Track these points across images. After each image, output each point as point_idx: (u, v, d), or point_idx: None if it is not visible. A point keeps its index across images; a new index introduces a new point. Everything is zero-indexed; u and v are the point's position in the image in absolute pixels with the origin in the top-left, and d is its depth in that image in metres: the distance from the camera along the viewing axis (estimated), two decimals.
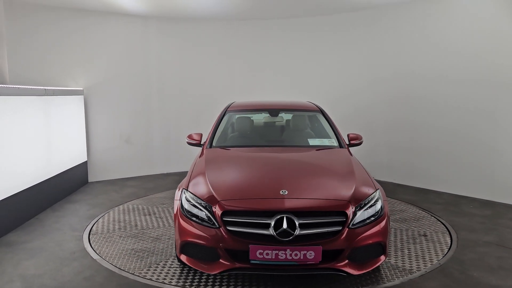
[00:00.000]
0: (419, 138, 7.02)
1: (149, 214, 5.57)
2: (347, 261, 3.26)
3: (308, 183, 3.63)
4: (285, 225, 3.12)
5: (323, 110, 5.24)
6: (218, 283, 3.56)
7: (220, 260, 3.27)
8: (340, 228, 3.22)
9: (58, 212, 5.71)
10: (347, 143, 4.77)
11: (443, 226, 5.04)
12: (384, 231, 3.38)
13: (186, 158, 6.99)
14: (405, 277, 3.68)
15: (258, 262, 3.18)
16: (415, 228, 4.94)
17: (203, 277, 3.66)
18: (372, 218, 3.36)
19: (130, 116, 7.96)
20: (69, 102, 6.66)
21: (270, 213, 3.20)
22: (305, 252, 3.12)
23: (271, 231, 3.13)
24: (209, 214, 3.32)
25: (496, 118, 6.07)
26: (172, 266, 3.92)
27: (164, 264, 3.96)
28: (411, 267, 3.89)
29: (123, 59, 7.78)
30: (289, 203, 3.25)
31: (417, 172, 7.12)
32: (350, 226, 3.25)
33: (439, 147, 6.76)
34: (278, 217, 3.15)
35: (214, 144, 4.81)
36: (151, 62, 8.11)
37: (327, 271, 3.23)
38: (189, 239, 3.37)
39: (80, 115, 7.12)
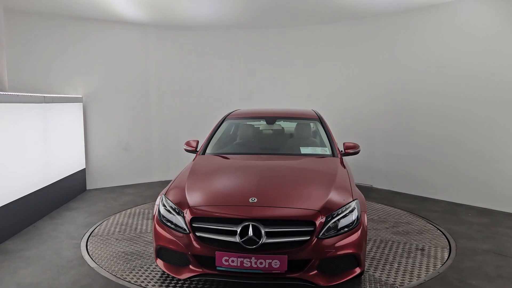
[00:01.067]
0: (417, 147, 7.04)
1: (148, 219, 5.56)
2: (316, 271, 3.18)
3: (280, 192, 3.59)
4: (250, 233, 3.12)
5: (322, 119, 5.20)
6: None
7: (190, 265, 3.31)
8: (308, 238, 3.16)
9: (55, 219, 5.69)
10: (343, 152, 4.69)
11: (444, 240, 4.82)
12: (358, 243, 3.29)
13: (184, 165, 6.98)
14: None
15: (224, 269, 3.18)
16: (414, 242, 4.75)
17: (196, 283, 3.65)
18: (346, 229, 3.27)
19: (128, 123, 7.97)
20: (68, 110, 6.67)
21: (237, 221, 3.20)
22: (270, 260, 3.10)
23: (237, 239, 3.14)
24: (180, 220, 3.38)
25: (492, 128, 6.10)
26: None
27: (159, 270, 3.95)
28: (395, 282, 3.73)
29: (122, 67, 7.81)
30: (256, 211, 3.24)
31: (415, 181, 7.13)
32: (319, 236, 3.18)
33: (436, 156, 6.78)
34: (244, 224, 3.15)
35: (208, 151, 4.86)
36: (150, 70, 8.14)
37: (294, 281, 3.16)
38: (162, 244, 3.44)
39: (79, 123, 7.13)
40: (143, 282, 3.75)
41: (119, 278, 3.84)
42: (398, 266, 4.07)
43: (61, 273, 3.96)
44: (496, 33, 5.98)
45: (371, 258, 4.27)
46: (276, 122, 5.49)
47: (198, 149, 4.96)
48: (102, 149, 7.69)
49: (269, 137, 5.34)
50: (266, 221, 3.18)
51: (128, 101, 7.93)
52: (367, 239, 4.79)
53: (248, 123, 5.54)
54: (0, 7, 5.31)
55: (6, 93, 4.91)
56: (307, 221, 3.20)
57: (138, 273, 3.94)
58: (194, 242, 3.25)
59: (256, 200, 3.35)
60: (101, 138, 7.67)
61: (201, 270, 3.26)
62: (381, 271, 3.96)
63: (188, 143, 5.02)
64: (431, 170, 6.89)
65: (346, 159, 4.83)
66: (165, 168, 8.38)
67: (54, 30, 7.04)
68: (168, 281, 3.76)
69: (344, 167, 4.34)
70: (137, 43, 7.95)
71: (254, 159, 4.58)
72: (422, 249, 4.50)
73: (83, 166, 7.35)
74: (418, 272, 3.93)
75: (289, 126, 5.54)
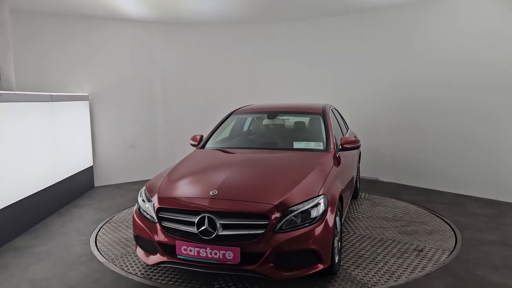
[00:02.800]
0: (423, 140, 7.04)
1: None
2: (271, 265, 3.20)
3: (244, 186, 3.65)
4: (206, 224, 3.23)
5: (325, 113, 5.07)
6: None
7: (158, 253, 3.48)
8: (262, 231, 3.19)
9: (64, 216, 5.77)
10: (339, 147, 4.59)
11: (451, 242, 4.48)
12: (319, 239, 3.27)
13: None
14: (409, 276, 3.70)
15: (183, 257, 3.32)
16: (415, 242, 4.53)
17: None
18: (306, 224, 3.27)
19: (134, 121, 8.03)
20: (74, 108, 6.73)
21: (195, 212, 3.31)
22: (224, 252, 3.19)
23: (194, 229, 3.26)
24: (151, 209, 3.56)
25: (499, 118, 6.09)
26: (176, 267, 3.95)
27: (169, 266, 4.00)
28: (369, 281, 3.62)
29: (127, 64, 7.86)
30: (212, 203, 3.32)
31: (421, 173, 7.13)
32: (275, 230, 3.20)
33: (442, 148, 6.78)
34: (201, 216, 3.26)
35: (208, 145, 4.99)
36: (155, 67, 8.18)
37: (247, 273, 3.21)
38: (137, 232, 3.66)
39: (85, 121, 7.20)
40: (149, 275, 3.81)
41: (128, 272, 3.90)
42: (382, 266, 3.92)
43: (71, 268, 4.02)
44: (503, 21, 5.94)
45: (359, 256, 4.17)
46: (280, 117, 5.44)
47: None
48: (109, 147, 7.76)
49: (270, 132, 5.33)
50: (223, 213, 3.26)
51: (134, 99, 7.98)
52: (371, 236, 4.86)
53: (251, 118, 5.58)
54: (6, 7, 5.35)
55: (14, 92, 4.97)
56: (262, 215, 3.22)
57: (146, 267, 4.00)
58: (159, 231, 3.44)
59: (216, 192, 3.42)
60: (108, 136, 7.74)
61: (165, 258, 3.42)
62: (360, 270, 3.85)
63: (193, 138, 5.14)
64: (437, 162, 6.89)
65: (356, 154, 4.97)
66: (171, 164, 8.39)
67: (59, 29, 7.09)
68: (175, 275, 3.80)
69: (338, 162, 4.33)
70: (141, 40, 7.99)
71: (243, 154, 4.58)
72: (421, 250, 4.29)
73: (91, 164, 7.42)
74: (400, 274, 3.74)
75: (294, 120, 5.54)
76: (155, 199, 3.59)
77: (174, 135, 8.42)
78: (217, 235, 3.21)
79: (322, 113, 5.09)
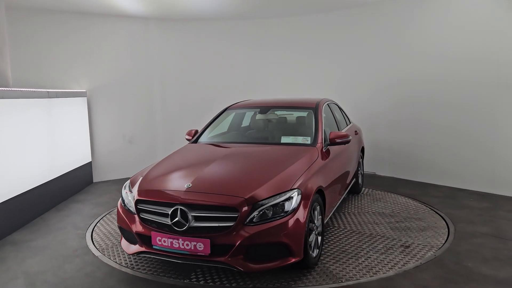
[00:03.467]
0: (419, 134, 7.06)
1: None
2: (241, 257, 3.26)
3: (218, 179, 3.73)
4: (178, 216, 3.34)
5: (318, 108, 5.02)
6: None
7: (137, 243, 3.62)
8: (232, 224, 3.25)
9: (62, 211, 5.84)
10: (328, 142, 4.57)
11: (441, 240, 4.37)
12: (290, 232, 3.31)
13: None
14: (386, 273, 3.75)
15: (158, 248, 3.44)
16: (404, 238, 4.48)
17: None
18: (278, 217, 3.31)
19: (133, 116, 8.09)
20: (72, 104, 6.79)
21: (169, 204, 3.42)
22: (195, 243, 3.29)
23: (168, 221, 3.37)
24: (131, 201, 3.71)
25: (494, 113, 6.09)
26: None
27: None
28: (345, 275, 3.64)
29: (125, 60, 7.90)
30: (185, 196, 3.43)
31: (417, 167, 7.16)
32: (245, 223, 3.26)
33: (438, 143, 6.80)
34: (174, 208, 3.37)
35: (200, 139, 5.08)
36: (153, 63, 8.22)
37: (218, 264, 3.29)
38: (120, 223, 3.84)
39: (83, 117, 7.26)
40: (145, 269, 3.88)
41: (121, 265, 3.96)
42: (363, 261, 3.90)
43: (66, 261, 4.09)
44: (499, 17, 5.93)
45: (342, 251, 4.17)
46: (272, 112, 5.44)
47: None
48: (108, 143, 7.82)
49: (261, 127, 5.36)
50: (194, 206, 3.35)
51: (132, 94, 8.03)
52: (360, 231, 4.90)
53: (245, 113, 5.62)
54: (2, 4, 5.40)
55: (10, 89, 5.02)
56: (231, 208, 3.28)
57: (140, 259, 4.06)
58: (138, 222, 3.59)
59: (190, 185, 3.52)
60: (106, 132, 7.80)
61: (143, 248, 3.56)
62: (339, 265, 3.84)
63: (188, 132, 5.23)
64: (432, 156, 6.91)
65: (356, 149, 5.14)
66: None
67: (56, 25, 7.14)
68: (167, 268, 3.86)
69: (325, 156, 4.36)
70: (139, 36, 8.02)
71: (228, 148, 4.63)
72: (407, 247, 4.23)
73: (89, 159, 7.49)
74: (378, 270, 3.71)
75: (287, 115, 5.54)
76: (135, 191, 3.74)
77: (172, 130, 8.47)
78: (189, 227, 3.31)
79: (315, 108, 5.06)
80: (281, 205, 3.37)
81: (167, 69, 8.34)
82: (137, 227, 3.58)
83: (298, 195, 3.47)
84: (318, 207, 3.83)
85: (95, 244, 4.56)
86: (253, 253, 3.28)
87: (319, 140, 4.51)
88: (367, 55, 7.64)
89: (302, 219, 3.40)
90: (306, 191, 3.58)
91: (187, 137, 5.18)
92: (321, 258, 4.00)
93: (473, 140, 6.35)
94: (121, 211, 3.83)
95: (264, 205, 3.34)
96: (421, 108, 6.98)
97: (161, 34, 8.22)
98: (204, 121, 7.14)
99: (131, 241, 3.70)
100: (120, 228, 3.85)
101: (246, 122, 5.60)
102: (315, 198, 3.73)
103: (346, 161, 5.23)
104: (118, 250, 4.33)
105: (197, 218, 3.33)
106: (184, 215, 3.34)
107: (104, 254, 4.25)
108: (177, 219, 3.34)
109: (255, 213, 3.30)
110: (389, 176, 7.57)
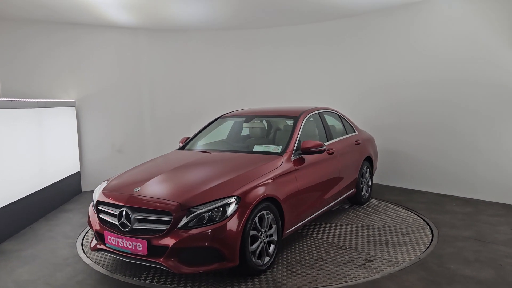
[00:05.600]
0: (403, 141, 7.22)
1: None
2: (175, 259, 3.43)
3: (167, 184, 3.96)
4: (123, 218, 3.65)
5: (299, 117, 5.06)
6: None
7: (97, 241, 3.96)
8: (167, 227, 3.46)
9: (51, 221, 5.84)
10: (299, 151, 4.60)
11: (410, 257, 4.14)
12: (223, 238, 3.43)
13: None
14: (385, 270, 3.85)
15: (109, 246, 3.76)
16: (373, 253, 4.34)
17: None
18: (211, 223, 3.44)
19: (122, 126, 8.12)
20: (61, 114, 6.81)
21: (118, 206, 3.75)
22: (136, 243, 3.55)
23: (116, 221, 3.70)
24: (95, 203, 4.06)
25: (477, 120, 6.28)
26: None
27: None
28: (284, 284, 3.65)
29: (114, 70, 7.96)
30: (130, 199, 3.72)
31: (402, 174, 7.32)
32: (179, 226, 3.45)
33: (423, 150, 6.97)
34: (121, 210, 3.68)
35: (187, 146, 5.31)
36: (142, 73, 8.28)
37: (154, 264, 3.49)
38: (88, 222, 4.15)
39: (72, 126, 7.28)
40: (135, 276, 3.92)
41: (113, 273, 4.00)
42: (313, 273, 3.88)
43: (57, 270, 4.11)
44: (477, 24, 6.15)
45: (300, 261, 4.17)
46: (258, 121, 5.52)
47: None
48: (96, 152, 7.84)
49: (243, 136, 5.49)
50: (137, 209, 3.63)
51: (121, 104, 8.07)
52: (333, 243, 4.95)
53: (233, 122, 5.74)
54: None
55: (0, 99, 5.05)
56: (166, 212, 3.50)
57: (132, 268, 4.09)
58: (97, 222, 3.92)
59: (139, 189, 3.82)
60: (95, 141, 7.82)
61: (100, 245, 3.88)
62: (288, 274, 3.86)
63: (181, 140, 5.52)
64: (417, 163, 7.08)
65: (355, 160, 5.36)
66: None
67: (46, 36, 7.18)
68: (162, 277, 3.91)
69: (296, 165, 4.41)
70: (128, 46, 8.10)
71: (199, 155, 4.80)
72: (370, 261, 4.12)
73: (78, 169, 7.49)
74: (319, 282, 3.68)
75: (272, 124, 5.56)
76: (98, 193, 4.10)
77: (161, 139, 8.51)
78: (132, 228, 3.60)
79: (296, 117, 5.09)
80: (216, 211, 3.51)
81: (156, 79, 8.42)
82: (97, 226, 3.91)
83: (235, 202, 3.57)
84: (270, 216, 3.90)
85: (86, 252, 4.58)
86: (186, 256, 3.45)
87: (289, 149, 4.54)
88: (352, 63, 7.82)
89: (237, 226, 3.50)
90: (248, 199, 3.65)
91: (180, 144, 5.42)
92: (275, 266, 4.05)
93: (456, 147, 6.54)
94: (89, 212, 4.17)
95: (199, 210, 3.50)
96: (404, 115, 7.15)
97: (150, 44, 8.31)
98: (192, 130, 7.25)
99: (96, 239, 4.00)
100: (90, 228, 4.20)
101: (232, 131, 5.73)
102: (265, 206, 3.81)
103: (332, 171, 5.18)
104: (109, 258, 4.37)
105: (139, 220, 3.61)
106: (128, 216, 3.62)
107: (95, 263, 4.28)
108: (122, 220, 3.65)
109: (190, 217, 3.47)
110: (376, 182, 7.70)
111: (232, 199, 3.58)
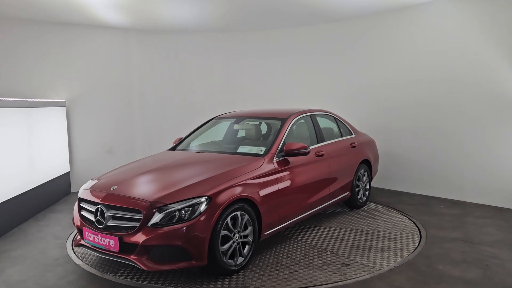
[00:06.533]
0: (392, 144, 7.31)
1: None
2: (146, 256, 3.51)
3: (142, 183, 4.06)
4: (98, 215, 3.78)
5: (286, 119, 5.05)
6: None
7: (79, 237, 4.10)
8: (137, 224, 3.55)
9: (41, 221, 5.79)
10: (282, 153, 4.59)
11: (389, 262, 4.06)
12: (190, 237, 3.48)
13: None
14: (370, 272, 3.90)
15: (87, 242, 3.90)
16: (353, 257, 4.28)
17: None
18: (180, 222, 3.51)
19: (112, 126, 8.09)
20: (51, 114, 6.77)
21: (95, 203, 3.89)
22: (109, 240, 3.66)
23: (93, 218, 3.84)
24: (77, 200, 4.22)
25: (464, 124, 6.40)
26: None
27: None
28: (253, 285, 3.68)
29: (105, 71, 7.93)
30: (105, 197, 3.85)
31: (391, 176, 7.40)
32: (149, 224, 3.52)
33: (411, 152, 7.07)
34: (97, 207, 3.82)
35: (179, 147, 5.37)
36: (133, 74, 8.27)
37: (125, 260, 3.58)
38: (73, 220, 4.24)
39: (62, 126, 7.23)
40: (127, 276, 3.92)
41: (104, 273, 3.99)
42: (285, 275, 3.86)
43: (47, 270, 4.09)
44: (467, 28, 6.27)
45: (275, 263, 4.16)
46: (248, 123, 5.53)
47: None
48: (86, 153, 7.80)
49: (232, 137, 5.54)
50: (111, 206, 3.75)
51: (111, 105, 8.05)
52: (315, 246, 4.98)
53: (225, 123, 5.78)
54: None
55: None
56: (137, 210, 3.60)
57: (121, 268, 4.10)
58: (79, 219, 4.05)
59: (116, 187, 3.94)
60: (85, 142, 7.78)
61: (81, 241, 4.02)
62: (258, 275, 3.86)
63: (175, 140, 5.57)
64: (406, 166, 7.17)
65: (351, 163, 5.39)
66: None
67: (36, 35, 7.14)
68: (154, 277, 3.92)
69: (278, 167, 4.41)
70: (119, 47, 8.08)
71: (184, 155, 4.90)
72: (346, 265, 4.08)
73: (68, 170, 7.45)
74: (287, 284, 3.68)
75: (261, 126, 5.59)
76: (81, 190, 4.24)
77: (151, 140, 8.50)
78: (106, 225, 3.71)
79: (285, 119, 5.08)
80: (186, 210, 3.57)
81: (146, 80, 8.41)
82: (78, 222, 4.06)
83: (206, 202, 3.62)
84: (245, 217, 3.93)
85: (76, 253, 4.56)
86: (156, 254, 3.52)
87: (272, 151, 4.55)
88: (340, 66, 7.91)
89: (205, 226, 3.55)
90: (219, 199, 3.69)
91: (173, 144, 5.50)
92: (250, 267, 4.07)
93: (444, 150, 6.64)
94: (74, 209, 4.27)
95: (169, 209, 3.56)
96: (393, 119, 7.25)
97: (141, 45, 8.30)
98: (183, 131, 7.27)
99: (79, 236, 4.12)
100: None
101: (224, 132, 5.79)
102: (239, 207, 3.85)
103: (321, 173, 5.14)
104: (100, 258, 4.35)
105: (114, 218, 3.72)
106: (103, 214, 3.75)
107: (86, 263, 4.26)
108: (97, 217, 3.77)
109: (160, 216, 3.54)
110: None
111: (203, 199, 3.63)
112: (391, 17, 7.13)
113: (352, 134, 6.23)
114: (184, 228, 3.49)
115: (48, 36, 7.26)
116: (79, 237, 4.12)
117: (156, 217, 3.54)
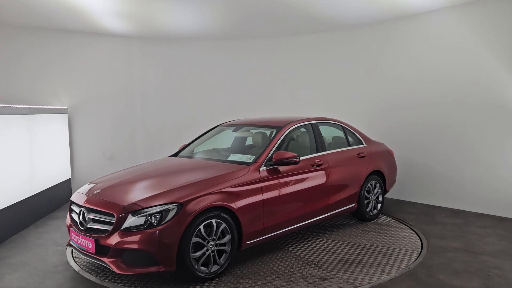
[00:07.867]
0: (393, 152, 7.29)
1: None
2: (117, 259, 3.61)
3: (123, 188, 4.16)
4: (80, 217, 3.98)
5: (281, 128, 4.98)
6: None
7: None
8: (110, 228, 3.68)
9: (41, 228, 5.79)
10: (271, 162, 4.51)
11: (371, 278, 3.90)
12: (157, 243, 3.55)
13: None
14: (374, 282, 3.88)
15: (73, 242, 4.08)
16: (336, 271, 4.12)
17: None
18: (150, 227, 3.60)
19: (113, 134, 8.11)
20: (53, 121, 6.79)
21: (79, 206, 4.07)
22: (87, 241, 3.81)
23: (77, 220, 4.02)
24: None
25: (464, 133, 6.40)
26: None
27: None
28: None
29: (107, 78, 7.97)
30: (87, 200, 4.03)
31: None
32: (122, 228, 3.64)
33: (412, 161, 7.05)
34: (80, 209, 4.02)
35: (181, 154, 5.42)
36: (134, 81, 8.31)
37: (101, 262, 3.70)
38: (67, 222, 4.36)
39: (64, 133, 7.25)
40: (126, 284, 3.90)
41: (103, 280, 3.98)
42: (260, 285, 3.82)
43: (46, 277, 4.07)
44: (468, 40, 6.29)
45: (254, 273, 4.10)
46: (246, 131, 5.52)
47: None
48: (88, 159, 7.81)
49: (228, 144, 5.60)
50: (90, 209, 3.93)
51: (113, 112, 8.08)
52: (303, 259, 4.88)
53: (225, 131, 5.77)
54: None
55: None
56: (110, 213, 3.73)
57: (118, 275, 4.07)
58: (69, 220, 4.23)
59: (99, 191, 4.09)
60: (87, 148, 7.79)
61: (71, 242, 4.15)
62: (232, 284, 3.84)
63: (180, 147, 5.65)
64: (407, 174, 7.15)
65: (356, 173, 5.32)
66: None
67: (39, 43, 7.19)
68: (173, 284, 3.90)
69: (267, 176, 4.36)
70: (121, 54, 8.13)
71: (174, 162, 4.99)
72: (325, 279, 3.94)
73: (69, 176, 7.45)
74: None
75: (258, 134, 5.49)
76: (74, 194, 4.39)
77: (152, 148, 8.51)
78: (87, 227, 3.88)
79: (280, 127, 5.02)
80: (155, 216, 3.64)
81: (148, 87, 8.44)
82: (68, 223, 4.24)
83: (177, 208, 3.68)
84: (222, 225, 3.91)
85: (76, 260, 4.55)
86: (127, 257, 3.61)
87: (260, 160, 4.50)
88: (342, 76, 7.92)
89: (174, 232, 3.61)
90: (191, 206, 3.73)
91: (177, 150, 5.59)
92: (225, 275, 4.03)
93: (445, 159, 6.63)
94: (68, 212, 4.38)
95: (141, 214, 3.64)
96: (395, 127, 7.24)
97: (143, 53, 8.35)
98: (184, 138, 7.28)
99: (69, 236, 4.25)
100: None
101: (222, 140, 5.79)
102: (215, 215, 3.85)
103: (318, 183, 4.98)
104: (99, 266, 4.34)
105: (94, 220, 3.87)
106: (84, 216, 3.94)
107: (85, 270, 4.25)
108: (80, 219, 3.97)
109: (131, 220, 3.64)
110: None
111: (173, 206, 3.68)
112: (391, 26, 7.16)
113: (362, 144, 5.99)
114: (152, 233, 3.57)
115: (51, 43, 7.31)
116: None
117: (129, 221, 3.64)
